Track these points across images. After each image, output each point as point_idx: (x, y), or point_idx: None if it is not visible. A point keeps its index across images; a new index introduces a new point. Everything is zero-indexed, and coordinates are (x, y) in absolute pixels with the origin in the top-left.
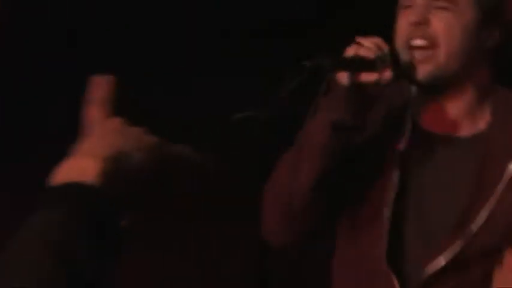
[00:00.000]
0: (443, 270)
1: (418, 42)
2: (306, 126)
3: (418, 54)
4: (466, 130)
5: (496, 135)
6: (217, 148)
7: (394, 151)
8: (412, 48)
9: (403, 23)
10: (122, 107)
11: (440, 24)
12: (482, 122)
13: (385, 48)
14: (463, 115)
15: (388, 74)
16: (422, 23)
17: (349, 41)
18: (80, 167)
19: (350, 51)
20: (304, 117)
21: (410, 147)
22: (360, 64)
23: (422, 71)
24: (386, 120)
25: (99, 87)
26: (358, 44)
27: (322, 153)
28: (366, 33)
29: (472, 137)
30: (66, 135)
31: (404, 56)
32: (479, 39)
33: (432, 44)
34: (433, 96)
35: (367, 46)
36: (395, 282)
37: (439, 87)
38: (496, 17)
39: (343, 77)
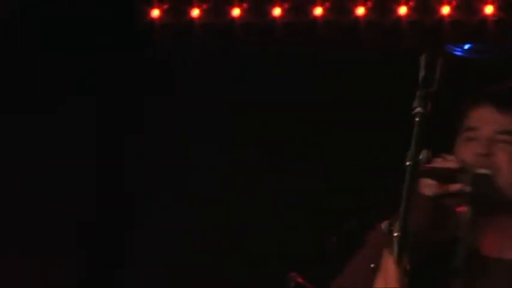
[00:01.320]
0: None
1: (483, 171)
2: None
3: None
4: None
5: None
6: None
7: (448, 270)
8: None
9: (468, 154)
10: None
11: (505, 156)
12: None
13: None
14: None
15: (465, 187)
16: (488, 155)
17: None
18: None
19: (436, 163)
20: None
21: (467, 270)
22: (443, 175)
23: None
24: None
25: None
26: (443, 157)
27: None
28: None
29: None
30: None
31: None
32: None
33: (496, 173)
34: (488, 220)
35: (451, 159)
36: None
37: (494, 212)
38: None
39: (428, 187)
